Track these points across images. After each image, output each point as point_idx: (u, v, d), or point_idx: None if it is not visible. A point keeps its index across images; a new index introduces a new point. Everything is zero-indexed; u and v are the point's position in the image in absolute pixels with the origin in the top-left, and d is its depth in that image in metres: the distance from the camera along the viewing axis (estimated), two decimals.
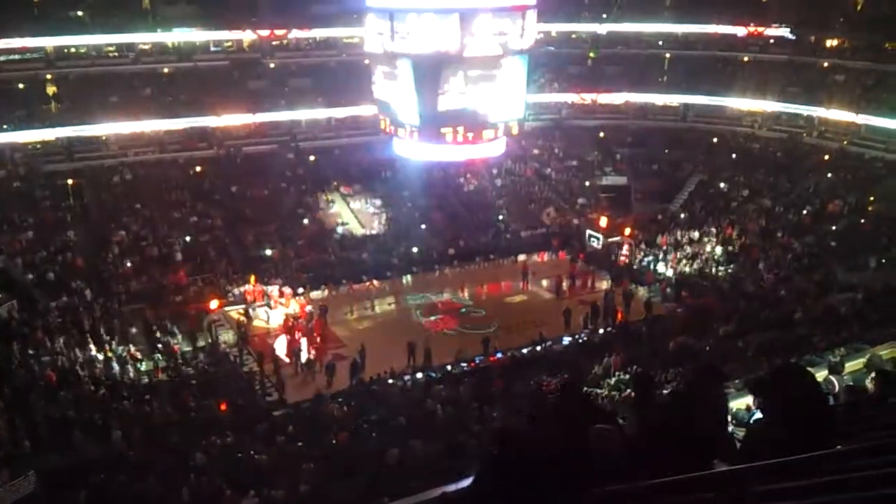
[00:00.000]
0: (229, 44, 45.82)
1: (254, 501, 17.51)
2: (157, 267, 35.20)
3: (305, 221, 40.74)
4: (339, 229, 40.73)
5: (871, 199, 38.01)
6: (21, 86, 41.45)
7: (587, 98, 50.09)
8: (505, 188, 46.18)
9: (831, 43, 46.97)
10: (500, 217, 43.59)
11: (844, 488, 3.81)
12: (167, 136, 43.21)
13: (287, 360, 29.32)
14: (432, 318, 33.75)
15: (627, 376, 24.56)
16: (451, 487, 7.66)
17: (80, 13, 43.04)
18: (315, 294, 35.25)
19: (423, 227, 41.25)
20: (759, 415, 5.92)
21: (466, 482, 7.63)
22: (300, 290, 34.52)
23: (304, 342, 29.86)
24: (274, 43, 46.17)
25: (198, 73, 44.64)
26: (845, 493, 3.78)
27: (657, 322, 31.81)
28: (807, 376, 5.78)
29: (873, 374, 7.53)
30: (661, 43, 51.18)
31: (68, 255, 34.09)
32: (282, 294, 33.51)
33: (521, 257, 40.13)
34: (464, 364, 28.06)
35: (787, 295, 31.31)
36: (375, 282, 36.19)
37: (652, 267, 37.63)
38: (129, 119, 41.46)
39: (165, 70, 44.65)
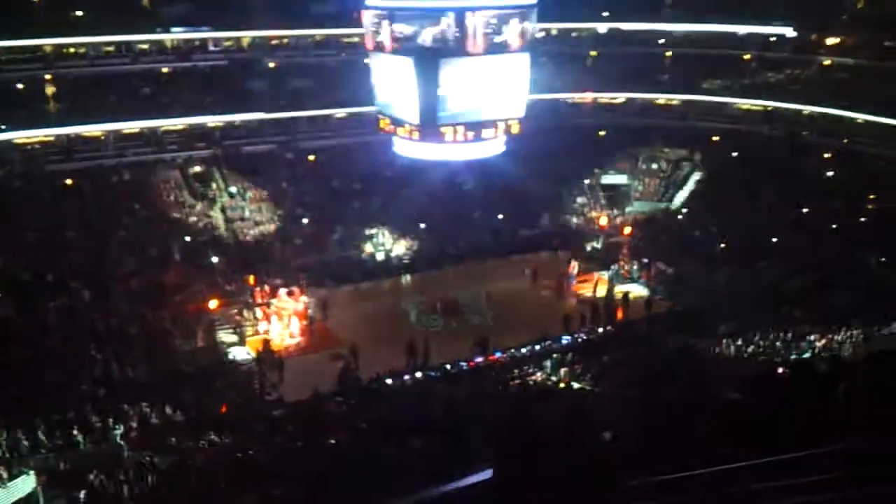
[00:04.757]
0: (228, 43, 45.76)
1: (252, 500, 17.51)
2: (157, 267, 35.19)
3: (305, 221, 40.68)
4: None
5: (872, 197, 37.99)
6: (20, 86, 41.38)
7: (587, 97, 50.06)
8: (505, 187, 46.05)
9: (832, 41, 46.91)
10: (500, 216, 43.53)
11: (841, 486, 3.79)
12: (166, 136, 43.21)
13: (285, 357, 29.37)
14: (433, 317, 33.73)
15: None
16: (450, 486, 7.62)
17: (79, 13, 43.00)
18: (314, 294, 35.14)
19: (423, 226, 41.25)
20: None
21: (465, 481, 7.59)
22: (299, 289, 34.46)
23: (301, 341, 29.95)
24: (273, 42, 46.14)
25: (197, 73, 44.60)
26: (840, 491, 3.77)
27: (657, 321, 31.79)
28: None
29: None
30: (661, 41, 51.10)
31: (67, 255, 34.04)
32: (274, 294, 33.43)
33: (526, 257, 40.16)
34: (463, 363, 28.03)
35: (787, 293, 31.31)
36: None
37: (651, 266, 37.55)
38: (128, 119, 41.57)
39: (164, 70, 44.56)
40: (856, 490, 3.77)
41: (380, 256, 39.05)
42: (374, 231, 40.69)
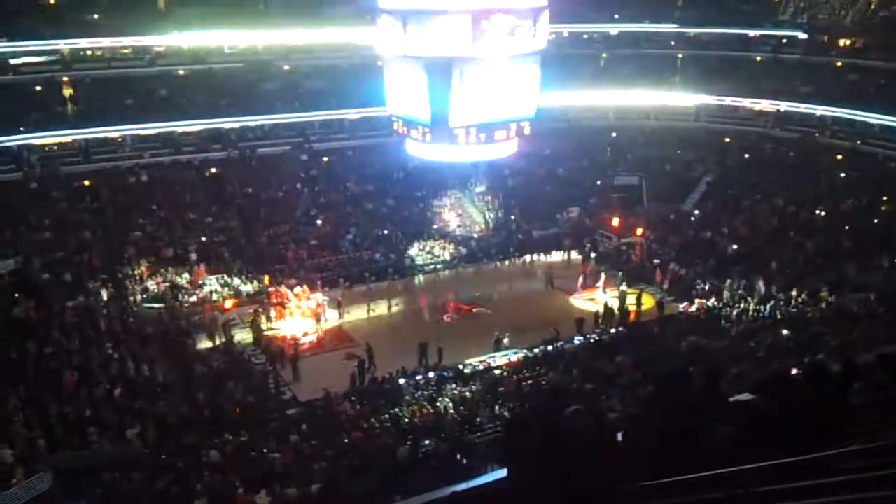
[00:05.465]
0: (243, 46, 46.07)
1: (267, 500, 17.71)
2: (173, 267, 35.48)
3: (319, 222, 40.93)
4: None
5: (885, 198, 37.87)
6: (38, 88, 41.80)
7: (599, 98, 50.05)
8: (517, 188, 46.16)
9: (844, 42, 46.73)
10: (512, 217, 43.64)
11: (853, 488, 3.82)
12: (182, 138, 43.56)
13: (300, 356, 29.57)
14: (445, 316, 33.77)
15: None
16: (462, 486, 7.74)
17: (95, 16, 43.37)
18: (329, 294, 35.28)
19: (435, 227, 41.45)
20: None
21: (477, 481, 7.73)
22: (313, 289, 34.64)
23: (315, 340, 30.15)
24: (288, 45, 46.38)
25: (212, 76, 44.92)
26: (853, 493, 3.80)
27: (669, 322, 31.80)
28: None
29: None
30: (673, 43, 51.08)
31: (84, 255, 34.36)
32: (286, 295, 33.58)
33: (540, 258, 40.31)
34: (475, 363, 28.12)
35: (800, 295, 31.26)
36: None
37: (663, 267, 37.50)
38: (144, 121, 41.87)
39: (180, 72, 44.90)
40: (869, 492, 3.81)
41: (393, 257, 39.17)
42: (387, 232, 40.88)
